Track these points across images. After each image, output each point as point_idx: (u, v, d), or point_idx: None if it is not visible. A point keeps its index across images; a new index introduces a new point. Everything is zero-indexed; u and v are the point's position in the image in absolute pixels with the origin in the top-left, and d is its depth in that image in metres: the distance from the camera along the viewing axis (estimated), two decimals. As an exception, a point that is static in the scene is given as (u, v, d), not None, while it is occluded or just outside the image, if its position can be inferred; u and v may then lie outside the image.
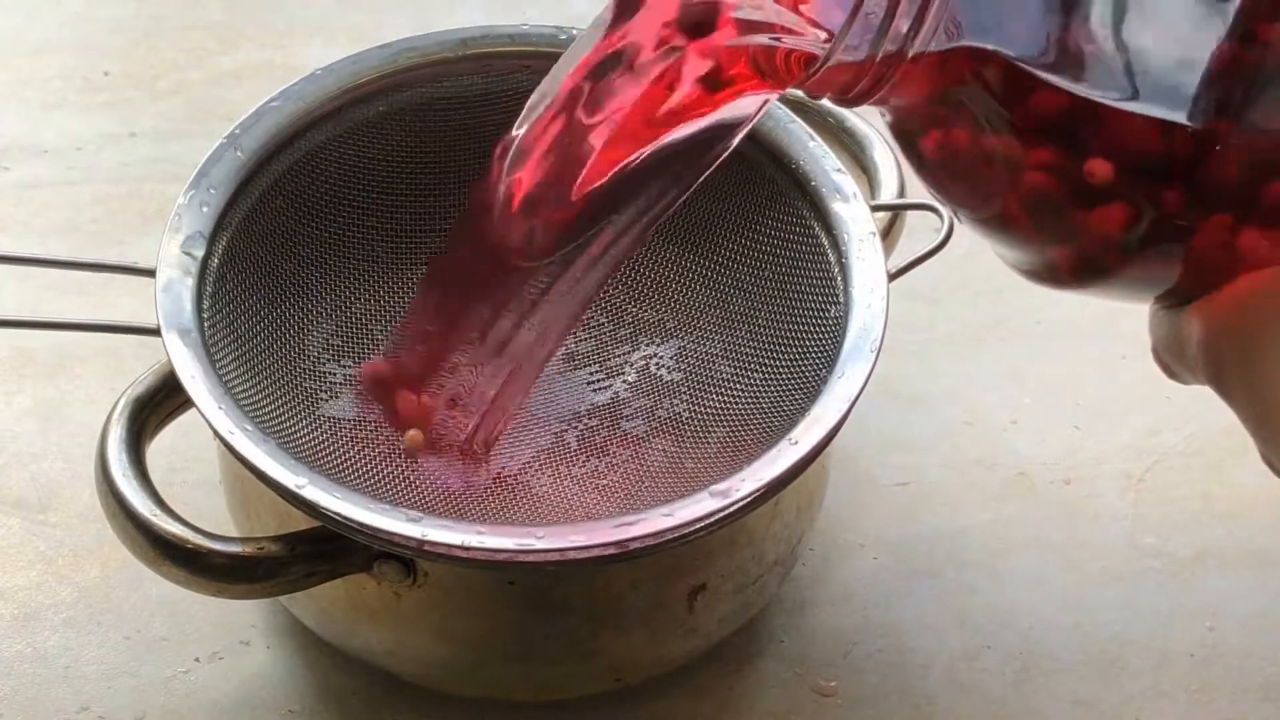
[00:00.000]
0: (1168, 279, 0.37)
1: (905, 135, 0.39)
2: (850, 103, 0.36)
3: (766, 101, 0.38)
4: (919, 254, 0.51)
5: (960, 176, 0.38)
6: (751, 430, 0.49)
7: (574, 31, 0.54)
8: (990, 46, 0.35)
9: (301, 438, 0.48)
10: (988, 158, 0.37)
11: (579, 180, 0.40)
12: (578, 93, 0.39)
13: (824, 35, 0.36)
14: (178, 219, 0.48)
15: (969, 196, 0.38)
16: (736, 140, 0.39)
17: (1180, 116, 0.34)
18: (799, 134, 0.51)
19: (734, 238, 0.53)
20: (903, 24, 0.34)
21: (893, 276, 0.48)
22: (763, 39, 0.37)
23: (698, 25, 0.37)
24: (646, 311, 0.55)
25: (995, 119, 0.36)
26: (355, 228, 0.54)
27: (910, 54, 0.35)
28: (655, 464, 0.50)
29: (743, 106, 0.39)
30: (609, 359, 0.54)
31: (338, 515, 0.42)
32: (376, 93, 0.53)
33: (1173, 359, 0.38)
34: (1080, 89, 0.35)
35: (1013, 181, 0.37)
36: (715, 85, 0.38)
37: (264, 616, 0.52)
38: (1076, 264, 0.38)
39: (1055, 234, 0.38)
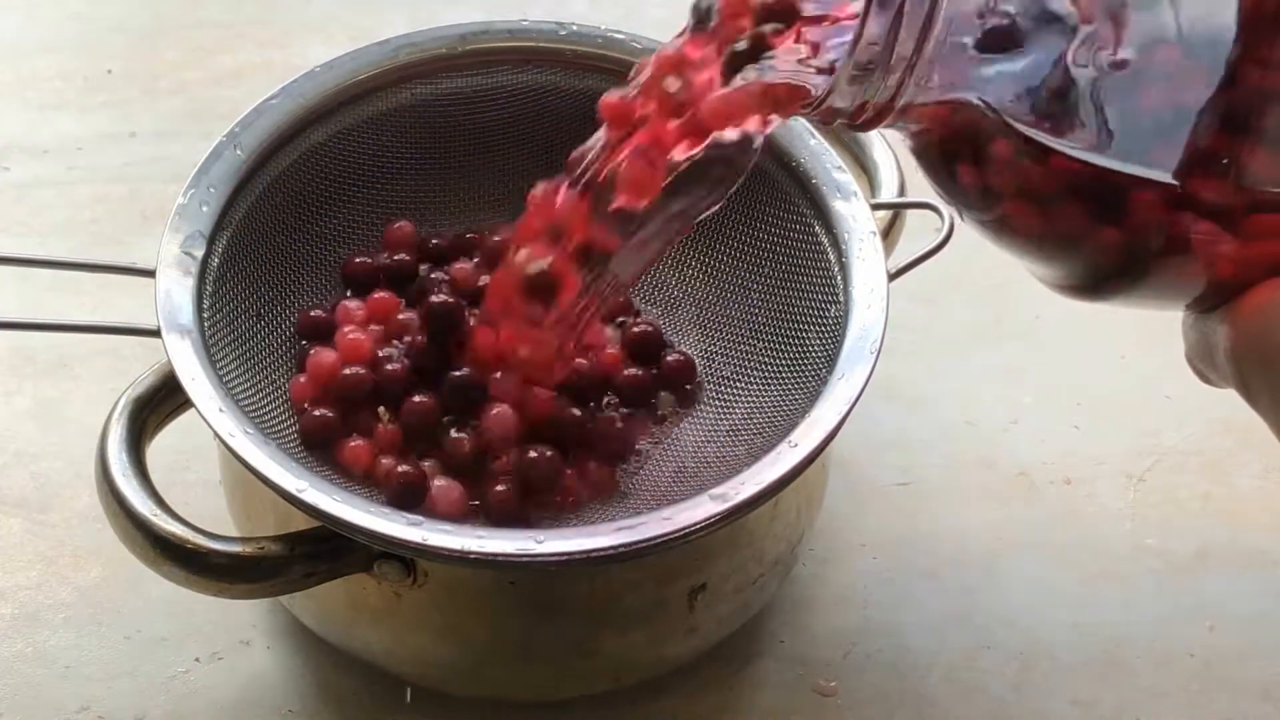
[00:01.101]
0: (1191, 288, 0.37)
1: (919, 151, 0.39)
2: (860, 129, 0.38)
3: (768, 127, 0.40)
4: (919, 254, 0.51)
5: (974, 192, 0.39)
6: (751, 431, 0.49)
7: (573, 27, 0.54)
8: (978, 99, 0.36)
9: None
10: (997, 177, 0.37)
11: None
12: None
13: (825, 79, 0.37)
14: (178, 219, 0.48)
15: (984, 211, 0.39)
16: (757, 148, 0.41)
17: (1165, 173, 0.35)
18: (799, 132, 0.51)
19: (734, 236, 0.53)
20: (890, 81, 0.35)
21: (893, 276, 0.48)
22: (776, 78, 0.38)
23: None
24: (647, 310, 0.54)
25: (996, 150, 0.37)
26: (356, 225, 0.54)
27: (899, 104, 0.36)
28: (655, 464, 0.50)
29: (754, 125, 0.40)
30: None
31: (339, 519, 0.42)
32: (376, 89, 0.53)
33: (1204, 365, 0.38)
34: (1064, 144, 0.35)
35: (1023, 204, 0.37)
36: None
37: (264, 616, 0.52)
38: (1098, 275, 0.38)
39: (1072, 249, 0.38)
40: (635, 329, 0.52)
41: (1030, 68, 0.36)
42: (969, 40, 0.35)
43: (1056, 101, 0.35)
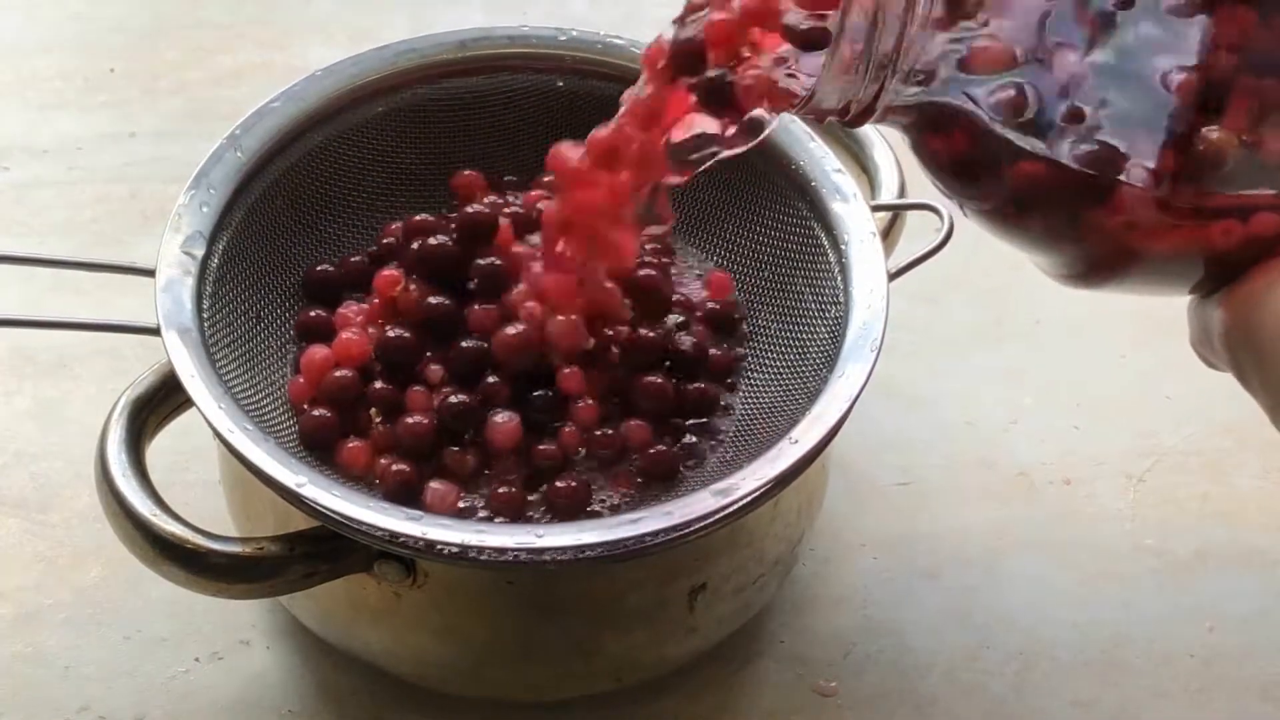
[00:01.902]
0: (1184, 275, 0.38)
1: (913, 145, 0.40)
2: (849, 125, 0.39)
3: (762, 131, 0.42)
4: (919, 254, 0.51)
5: (965, 185, 0.39)
6: (752, 429, 0.49)
7: (573, 33, 0.54)
8: (958, 101, 0.37)
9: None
10: (984, 172, 0.38)
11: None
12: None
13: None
14: (178, 219, 0.48)
15: (976, 202, 0.39)
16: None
17: (1138, 178, 0.36)
18: (799, 134, 0.51)
19: (735, 239, 0.53)
20: (872, 81, 0.37)
21: (893, 276, 0.48)
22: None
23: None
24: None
25: (982, 147, 0.38)
26: (355, 228, 0.54)
27: (881, 105, 0.37)
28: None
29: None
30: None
31: (337, 514, 0.42)
32: (376, 94, 0.53)
33: (1205, 349, 0.39)
34: (1042, 147, 0.36)
35: (1009, 198, 0.38)
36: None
37: (264, 616, 0.52)
38: (1090, 264, 0.39)
39: (1061, 240, 0.38)
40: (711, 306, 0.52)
41: (1007, 73, 0.37)
42: (947, 44, 0.36)
43: (1032, 106, 0.36)
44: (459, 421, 0.47)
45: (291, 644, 0.52)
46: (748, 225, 0.53)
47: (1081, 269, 0.39)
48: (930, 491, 0.57)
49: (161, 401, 0.46)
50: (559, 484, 0.46)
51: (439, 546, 0.42)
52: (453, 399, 0.47)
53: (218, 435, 0.43)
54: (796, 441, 0.43)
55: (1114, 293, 0.39)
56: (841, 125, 0.39)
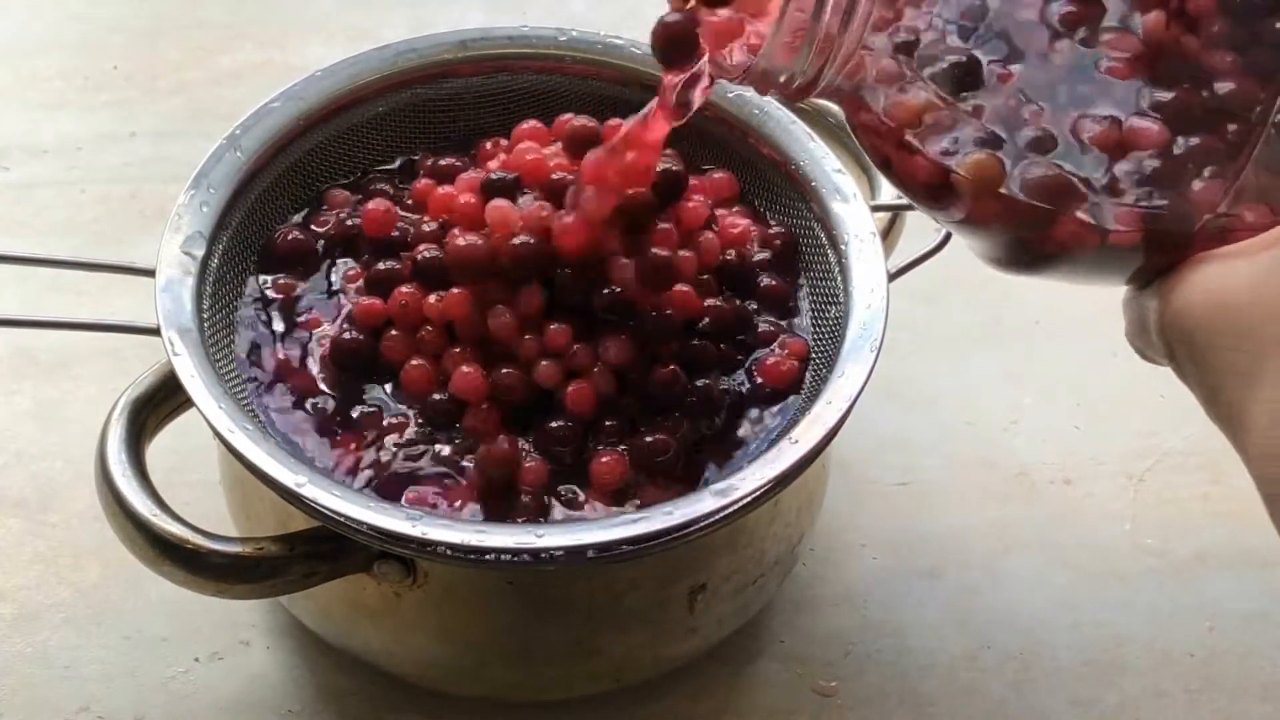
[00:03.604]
0: (1115, 267, 0.38)
1: (850, 129, 0.41)
2: (791, 98, 0.39)
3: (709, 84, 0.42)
4: (919, 254, 0.51)
5: (888, 173, 0.40)
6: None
7: (574, 33, 0.54)
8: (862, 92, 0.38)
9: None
10: (902, 164, 0.39)
11: None
12: None
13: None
14: (178, 219, 0.48)
15: (904, 191, 0.40)
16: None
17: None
18: (799, 135, 0.51)
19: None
20: (814, 58, 0.37)
21: (893, 277, 0.48)
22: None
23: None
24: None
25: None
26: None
27: (822, 83, 0.38)
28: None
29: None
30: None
31: (337, 514, 0.42)
32: (376, 94, 0.53)
33: (1141, 341, 0.39)
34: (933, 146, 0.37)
35: (927, 190, 0.38)
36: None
37: (264, 616, 0.52)
38: (1015, 255, 0.39)
39: (986, 232, 0.39)
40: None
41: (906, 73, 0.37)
42: (888, 38, 0.37)
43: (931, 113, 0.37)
44: (441, 419, 0.47)
45: (291, 644, 0.52)
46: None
47: (1001, 255, 0.39)
48: (930, 491, 0.57)
49: (161, 401, 0.46)
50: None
51: (439, 547, 0.42)
52: (436, 396, 0.47)
53: (218, 435, 0.43)
54: (796, 441, 0.43)
55: (1050, 280, 0.39)
56: (785, 98, 0.39)
